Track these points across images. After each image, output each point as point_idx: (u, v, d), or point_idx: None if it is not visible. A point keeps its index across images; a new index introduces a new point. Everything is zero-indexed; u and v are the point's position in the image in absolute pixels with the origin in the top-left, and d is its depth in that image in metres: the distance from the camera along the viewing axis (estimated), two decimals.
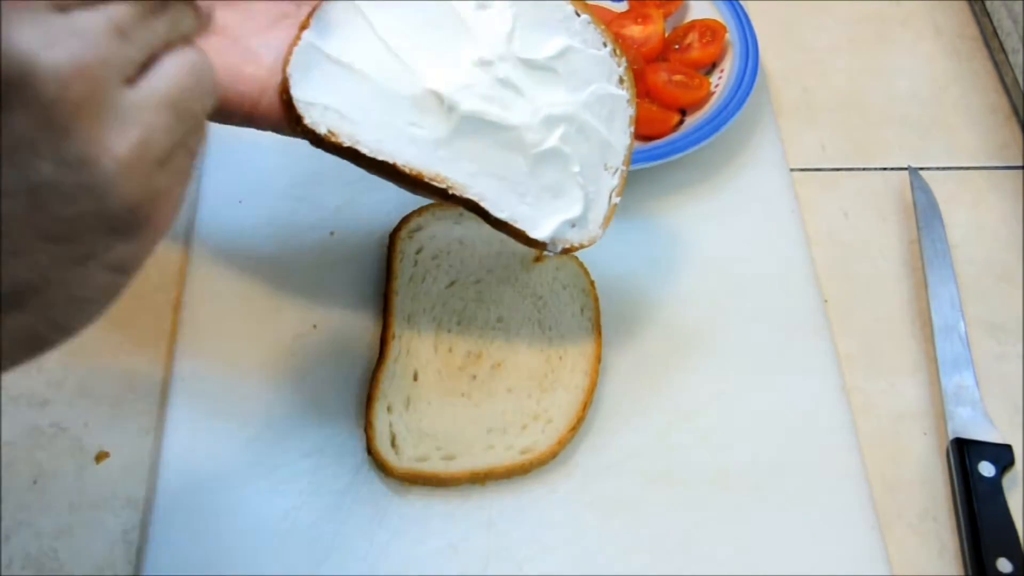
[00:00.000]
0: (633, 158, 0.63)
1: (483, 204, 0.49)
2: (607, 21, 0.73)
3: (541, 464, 0.53)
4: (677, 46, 0.71)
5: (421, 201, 0.61)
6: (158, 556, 0.50)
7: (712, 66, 0.70)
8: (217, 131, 0.48)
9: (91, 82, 0.29)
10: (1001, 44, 0.74)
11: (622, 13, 0.74)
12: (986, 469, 0.54)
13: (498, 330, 0.57)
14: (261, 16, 0.48)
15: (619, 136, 0.53)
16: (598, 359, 0.56)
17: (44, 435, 0.55)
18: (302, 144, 0.48)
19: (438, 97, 0.47)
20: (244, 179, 0.65)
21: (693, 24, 0.71)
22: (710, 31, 0.70)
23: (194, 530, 0.51)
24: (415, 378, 0.55)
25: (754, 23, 0.71)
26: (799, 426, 0.56)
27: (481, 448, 0.53)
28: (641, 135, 0.67)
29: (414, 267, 0.59)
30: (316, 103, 0.46)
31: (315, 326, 0.58)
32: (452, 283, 0.59)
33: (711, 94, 0.68)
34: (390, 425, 0.53)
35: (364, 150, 0.47)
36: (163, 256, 0.61)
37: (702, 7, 0.73)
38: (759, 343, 0.59)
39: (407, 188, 0.49)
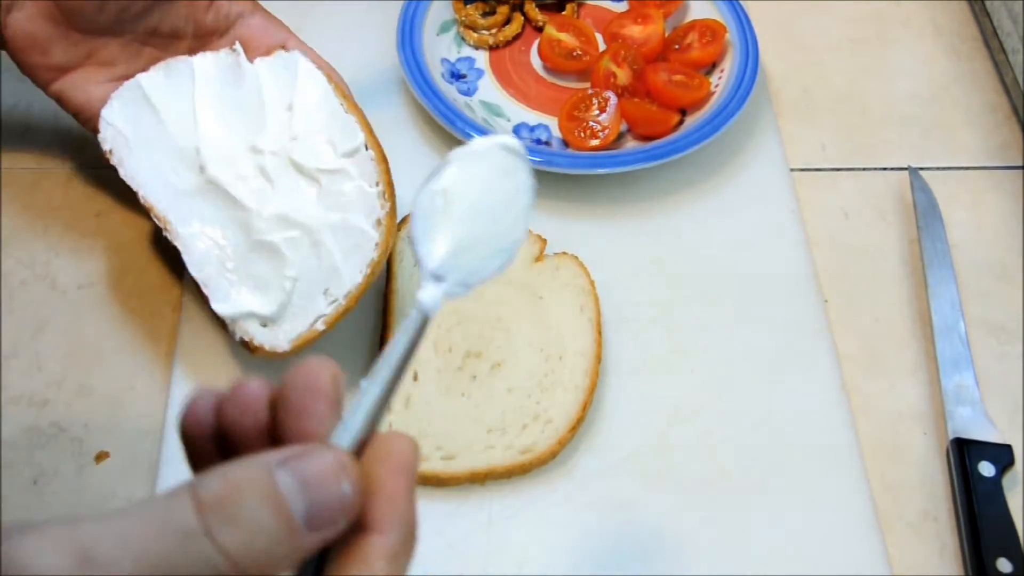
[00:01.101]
0: (633, 158, 0.64)
1: (185, 257, 0.52)
2: (607, 21, 0.73)
3: (541, 464, 0.53)
4: (677, 46, 0.71)
5: None
6: None
7: (712, 66, 0.70)
8: None
9: None
10: (1001, 44, 0.74)
11: (622, 13, 0.74)
12: (986, 469, 0.54)
13: (498, 330, 0.57)
14: (147, 60, 0.58)
15: (352, 271, 0.52)
16: (598, 359, 0.56)
17: (44, 435, 0.55)
18: None
19: (197, 155, 0.54)
20: None
21: (693, 24, 0.71)
22: (710, 31, 0.70)
23: None
24: (415, 378, 0.55)
25: (754, 23, 0.71)
26: (799, 426, 0.56)
27: (481, 448, 0.53)
28: (641, 135, 0.67)
29: (414, 267, 0.59)
30: (113, 124, 0.55)
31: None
32: None
33: (711, 94, 0.68)
34: (390, 425, 0.53)
35: (120, 172, 0.54)
36: (163, 257, 0.61)
37: (702, 7, 0.73)
38: (759, 343, 0.59)
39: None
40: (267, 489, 0.27)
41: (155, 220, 0.53)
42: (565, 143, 0.67)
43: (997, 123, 0.73)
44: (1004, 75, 0.74)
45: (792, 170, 0.69)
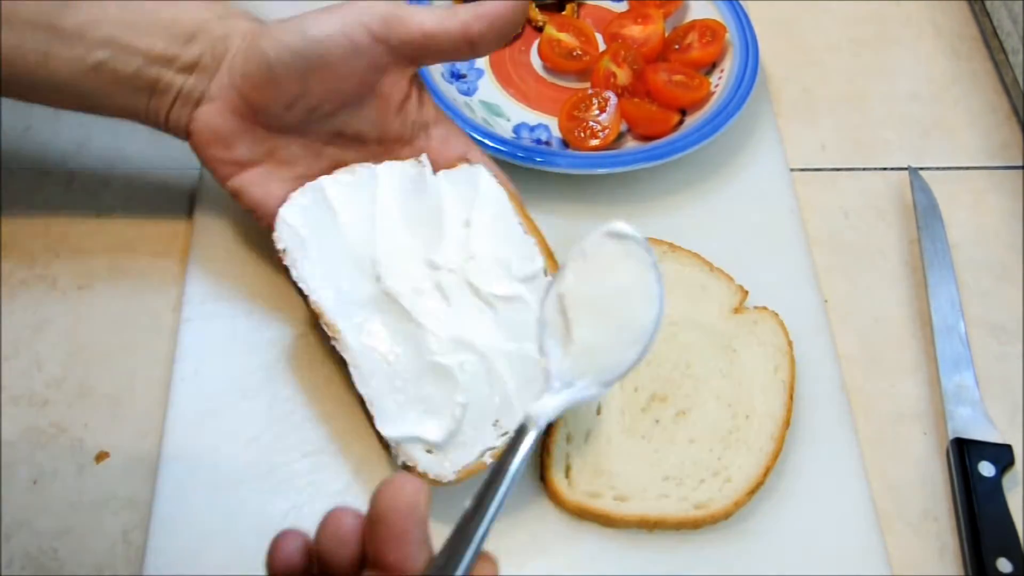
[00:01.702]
0: (633, 158, 0.64)
1: (352, 371, 0.50)
2: (607, 21, 0.73)
3: (713, 522, 0.52)
4: (677, 46, 0.71)
5: None
6: (158, 556, 0.50)
7: (712, 66, 0.70)
8: None
9: None
10: (1001, 44, 0.74)
11: (622, 13, 0.74)
12: (986, 469, 0.54)
13: (687, 376, 0.55)
14: (327, 162, 0.56)
15: (525, 404, 0.49)
16: (787, 424, 0.54)
17: (44, 435, 0.55)
18: None
19: (374, 265, 0.52)
20: None
21: (693, 24, 0.71)
22: (710, 31, 0.70)
23: (194, 530, 0.51)
24: (598, 411, 0.54)
25: (754, 23, 0.71)
26: (798, 426, 0.56)
27: (655, 495, 0.51)
28: (641, 135, 0.67)
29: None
30: (291, 224, 0.53)
31: (315, 326, 0.58)
32: None
33: (711, 94, 0.68)
34: (567, 456, 0.52)
35: (292, 273, 0.52)
36: (163, 258, 0.61)
37: (702, 7, 0.73)
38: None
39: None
40: None
41: (324, 327, 0.51)
42: (565, 143, 0.67)
43: (997, 123, 0.73)
44: (1004, 75, 0.74)
45: (792, 170, 0.69)
